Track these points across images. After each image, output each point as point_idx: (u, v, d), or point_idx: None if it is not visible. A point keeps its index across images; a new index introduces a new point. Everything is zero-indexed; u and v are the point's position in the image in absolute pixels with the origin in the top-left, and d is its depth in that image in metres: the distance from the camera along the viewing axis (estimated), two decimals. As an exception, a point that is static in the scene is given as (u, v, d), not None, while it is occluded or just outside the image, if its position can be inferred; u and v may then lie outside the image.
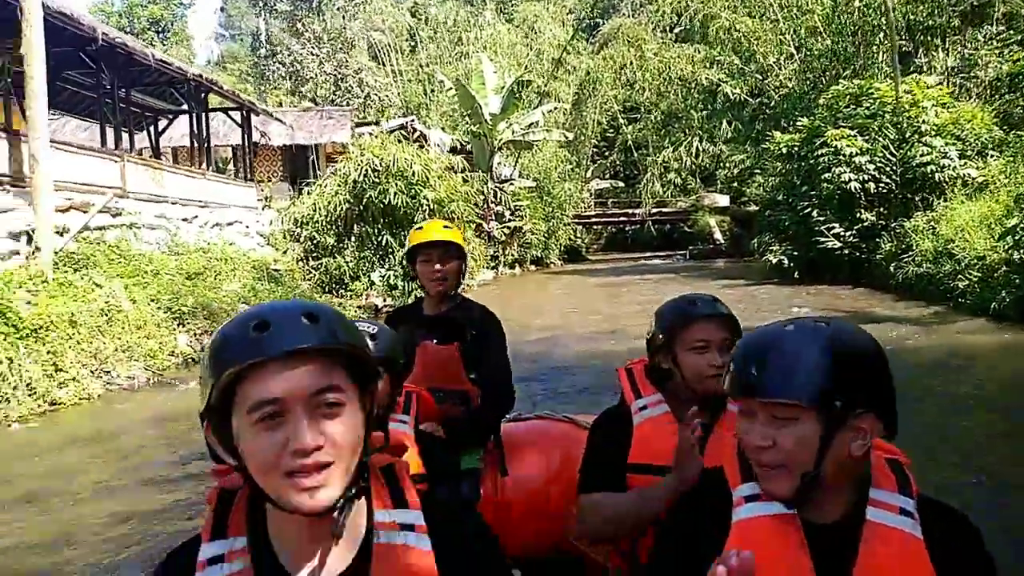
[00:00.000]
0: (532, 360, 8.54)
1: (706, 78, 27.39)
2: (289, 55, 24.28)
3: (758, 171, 26.09)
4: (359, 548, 1.00)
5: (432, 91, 33.47)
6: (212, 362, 0.90)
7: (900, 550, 1.08)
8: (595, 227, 41.47)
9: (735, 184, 33.18)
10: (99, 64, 11.02)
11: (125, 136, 12.07)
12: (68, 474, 5.42)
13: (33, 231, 8.41)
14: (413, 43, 31.11)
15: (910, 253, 13.33)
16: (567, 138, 28.28)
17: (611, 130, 40.27)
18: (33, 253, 8.31)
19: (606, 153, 42.58)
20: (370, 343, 1.59)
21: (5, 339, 7.15)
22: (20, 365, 7.15)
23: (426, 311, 2.64)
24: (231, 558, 0.99)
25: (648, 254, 35.96)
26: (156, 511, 4.59)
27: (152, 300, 9.79)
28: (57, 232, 8.84)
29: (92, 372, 8.00)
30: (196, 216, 12.80)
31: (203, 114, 14.57)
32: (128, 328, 8.92)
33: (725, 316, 1.69)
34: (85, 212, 9.70)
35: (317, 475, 0.90)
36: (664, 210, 37.29)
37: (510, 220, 24.71)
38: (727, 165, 32.62)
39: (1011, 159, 13.33)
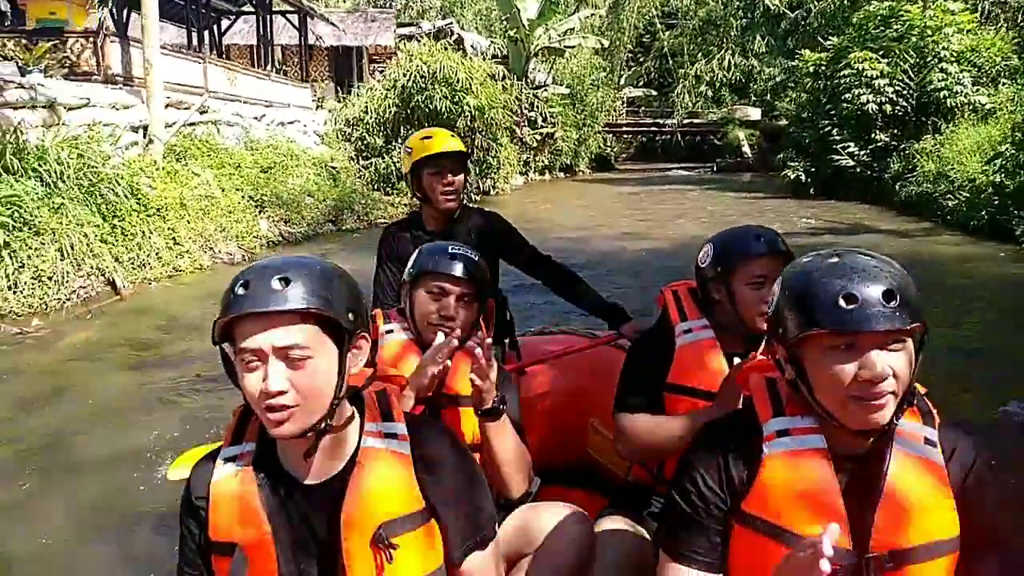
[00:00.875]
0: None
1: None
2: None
3: (790, 86, 26.87)
4: (350, 456, 1.20)
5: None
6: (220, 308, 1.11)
7: (924, 479, 1.13)
8: (625, 136, 42.20)
9: (767, 98, 33.72)
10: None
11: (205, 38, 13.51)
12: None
13: (146, 126, 10.05)
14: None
15: (914, 173, 14.61)
16: (602, 45, 28.91)
17: (647, 35, 40.49)
18: (147, 144, 9.97)
19: (641, 60, 42.83)
20: (471, 269, 1.82)
21: (137, 216, 8.92)
22: (149, 238, 8.95)
23: (429, 227, 2.56)
24: (242, 457, 1.21)
25: (675, 165, 36.83)
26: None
27: (237, 189, 11.49)
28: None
29: (200, 247, 9.80)
30: (264, 115, 14.34)
31: (268, 16, 15.90)
32: (222, 212, 10.67)
33: (784, 253, 1.69)
34: (178, 109, 11.28)
35: (281, 412, 1.09)
36: (695, 121, 37.96)
37: (542, 127, 25.82)
38: (760, 79, 33.13)
39: (1021, 88, 14.36)
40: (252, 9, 16.68)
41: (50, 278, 7.26)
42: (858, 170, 16.91)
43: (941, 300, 7.02)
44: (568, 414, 2.45)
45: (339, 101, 18.88)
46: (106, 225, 8.30)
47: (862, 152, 16.87)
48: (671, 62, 39.02)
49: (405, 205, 15.37)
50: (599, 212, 16.23)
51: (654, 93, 41.77)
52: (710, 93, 35.89)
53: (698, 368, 1.74)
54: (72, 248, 7.57)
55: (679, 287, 1.91)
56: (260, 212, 11.73)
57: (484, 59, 24.03)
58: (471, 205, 2.73)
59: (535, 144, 25.33)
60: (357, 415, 1.24)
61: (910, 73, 16.34)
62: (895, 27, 17.36)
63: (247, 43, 19.40)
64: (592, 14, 28.72)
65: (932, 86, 15.88)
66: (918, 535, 1.12)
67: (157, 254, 8.95)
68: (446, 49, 17.14)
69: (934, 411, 1.20)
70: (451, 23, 27.08)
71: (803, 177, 18.56)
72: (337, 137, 16.95)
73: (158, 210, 9.26)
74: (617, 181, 27.53)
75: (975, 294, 7.73)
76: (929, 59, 16.25)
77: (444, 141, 2.50)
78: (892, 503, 1.12)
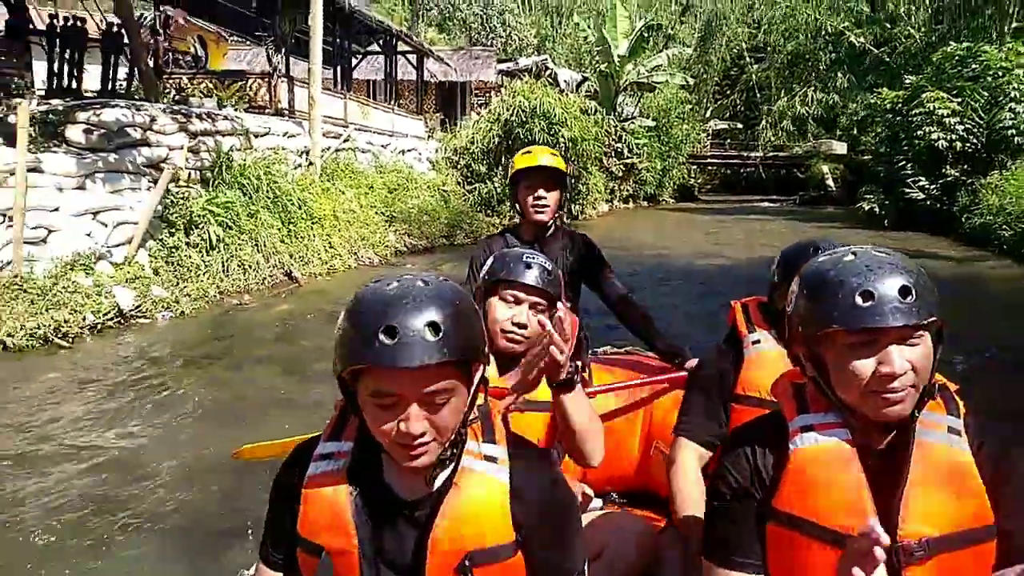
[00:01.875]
0: (636, 283, 12.11)
1: (831, 24, 29.28)
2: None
3: (874, 122, 28.04)
4: (449, 472, 1.20)
5: (562, 27, 36.53)
6: (344, 346, 1.09)
7: (949, 467, 1.16)
8: (709, 168, 43.59)
9: (853, 132, 34.75)
10: (335, 23, 15.05)
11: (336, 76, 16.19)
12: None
13: (308, 150, 12.57)
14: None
15: (979, 207, 15.85)
16: (688, 82, 30.70)
17: (736, 69, 42.11)
18: (308, 166, 12.47)
19: (728, 93, 44.39)
20: (545, 278, 1.84)
21: (304, 223, 11.34)
22: (312, 241, 11.35)
23: (525, 236, 2.72)
24: (339, 456, 1.22)
25: (759, 197, 37.89)
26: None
27: (372, 206, 13.90)
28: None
29: (347, 251, 12.19)
30: (388, 144, 16.86)
31: (393, 57, 18.58)
32: (361, 224, 13.06)
33: None
34: (327, 137, 13.82)
35: (420, 448, 1.11)
36: (780, 154, 39.12)
37: (628, 157, 27.76)
38: (845, 114, 34.21)
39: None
40: (379, 50, 19.38)
41: (249, 267, 9.67)
42: (928, 203, 18.16)
43: (983, 312, 8.51)
44: (631, 438, 2.55)
45: (446, 131, 21.37)
46: (284, 229, 10.73)
47: (932, 186, 18.13)
48: (758, 96, 40.54)
49: (502, 225, 17.51)
50: (678, 236, 18.03)
51: (739, 126, 43.09)
52: (793, 127, 37.01)
53: (767, 378, 1.70)
54: (265, 245, 10.00)
55: (749, 301, 2.02)
56: (388, 225, 14.11)
57: (576, 93, 26.28)
58: (568, 226, 2.86)
59: (620, 173, 27.25)
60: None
61: (980, 112, 17.57)
62: (972, 67, 18.60)
63: (366, 78, 22.19)
64: (680, 51, 30.52)
65: (1001, 124, 17.09)
66: (947, 523, 1.14)
67: (318, 255, 11.35)
68: (545, 86, 19.38)
69: (960, 402, 1.22)
70: (546, 59, 29.53)
71: (877, 209, 19.87)
72: (446, 164, 19.36)
73: (319, 220, 11.68)
74: (699, 210, 29.11)
75: (1012, 309, 9.26)
76: (1000, 99, 17.46)
77: (541, 156, 2.67)
78: (917, 492, 1.15)
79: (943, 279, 11.31)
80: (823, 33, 30.44)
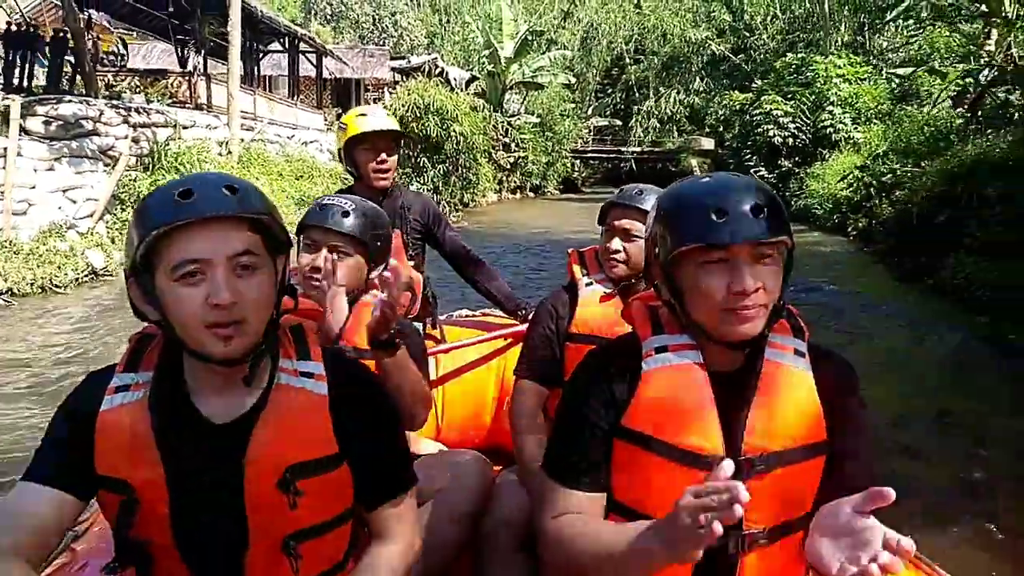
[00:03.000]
0: (520, 257, 14.54)
1: (694, 35, 32.93)
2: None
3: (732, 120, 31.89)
4: (262, 392, 1.17)
5: (451, 26, 38.69)
6: (138, 224, 1.06)
7: (792, 387, 1.23)
8: (591, 161, 46.94)
9: (720, 130, 38.81)
10: (246, 26, 16.69)
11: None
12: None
13: (227, 141, 14.28)
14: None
15: (804, 191, 19.26)
16: (570, 81, 33.58)
17: (616, 69, 45.54)
18: (227, 155, 14.19)
19: (609, 92, 47.85)
20: (344, 220, 1.75)
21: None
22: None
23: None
24: (136, 388, 1.16)
25: (638, 188, 41.26)
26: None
27: (282, 191, 15.66)
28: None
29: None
30: (292, 136, 18.62)
31: (296, 56, 20.28)
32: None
33: (640, 210, 1.86)
34: (241, 129, 15.52)
35: (231, 327, 1.06)
36: (655, 150, 42.85)
37: (515, 151, 30.30)
38: (711, 112, 38.18)
39: (886, 127, 19.11)
40: (281, 48, 21.04)
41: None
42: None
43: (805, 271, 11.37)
44: (484, 396, 2.65)
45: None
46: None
47: (771, 175, 21.55)
48: (637, 95, 44.09)
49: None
50: (558, 219, 20.68)
51: (619, 123, 46.63)
52: (664, 125, 40.75)
53: (597, 316, 1.89)
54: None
55: (586, 250, 2.13)
56: (296, 207, 15.93)
57: (466, 90, 28.51)
58: (406, 186, 2.80)
59: (508, 166, 29.75)
60: (270, 350, 1.18)
61: (807, 113, 21.12)
62: (805, 74, 22.18)
63: (266, 73, 23.70)
64: (561, 54, 33.34)
65: (823, 123, 20.65)
66: (787, 439, 1.20)
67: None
68: (437, 85, 21.57)
69: (804, 326, 1.29)
70: (436, 58, 31.62)
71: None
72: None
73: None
74: (580, 200, 32.07)
75: (817, 264, 12.24)
76: (823, 102, 21.05)
77: (380, 119, 2.61)
78: (762, 410, 1.21)
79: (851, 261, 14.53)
80: (688, 41, 34.05)
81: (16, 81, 11.21)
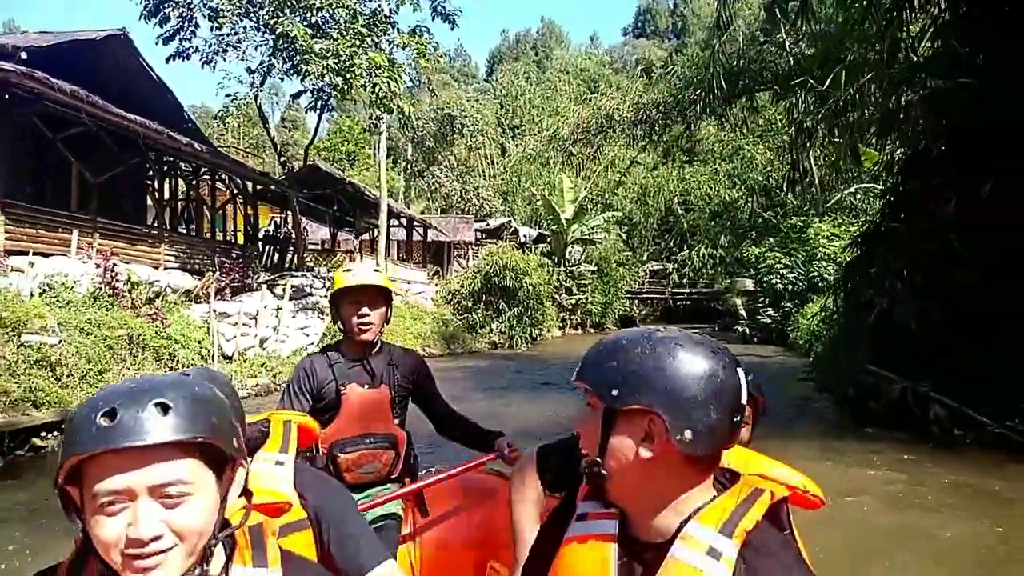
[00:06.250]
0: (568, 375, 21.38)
1: (728, 196, 40.58)
2: (432, 176, 38.73)
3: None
4: None
5: (519, 189, 47.59)
6: (64, 442, 1.00)
7: None
8: (648, 300, 53.99)
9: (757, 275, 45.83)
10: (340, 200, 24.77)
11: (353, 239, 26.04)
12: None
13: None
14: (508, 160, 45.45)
15: (798, 327, 25.64)
16: (622, 237, 41.32)
17: (672, 218, 53.41)
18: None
19: (666, 237, 55.58)
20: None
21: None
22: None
23: (348, 354, 2.82)
24: None
25: (689, 325, 47.77)
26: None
27: (406, 329, 23.00)
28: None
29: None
30: (408, 288, 26.39)
31: (410, 229, 28.49)
32: (399, 338, 22.12)
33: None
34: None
35: (154, 558, 0.99)
36: (703, 290, 49.70)
37: (576, 294, 37.61)
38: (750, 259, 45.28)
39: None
40: (401, 225, 29.37)
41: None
42: (772, 325, 28.10)
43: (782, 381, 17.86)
44: (467, 559, 2.73)
45: (439, 278, 31.03)
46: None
47: (776, 314, 28.08)
48: (689, 240, 51.58)
49: (488, 342, 26.79)
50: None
51: (671, 267, 53.94)
52: (714, 267, 47.85)
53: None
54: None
55: None
56: (417, 339, 23.26)
57: (534, 246, 36.25)
58: (396, 344, 3.02)
59: (569, 307, 37.02)
60: (224, 559, 1.13)
61: (801, 265, 27.86)
62: (804, 234, 29.02)
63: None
64: (613, 215, 41.24)
65: (814, 273, 27.28)
66: None
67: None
68: (512, 247, 29.29)
69: (750, 520, 1.12)
70: (510, 220, 39.89)
71: (747, 331, 29.75)
72: (443, 301, 28.86)
73: (383, 335, 20.82)
74: (632, 335, 38.75)
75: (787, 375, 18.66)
76: (814, 257, 27.78)
77: (364, 274, 2.79)
78: None
79: (771, 367, 20.49)
80: (723, 201, 41.79)
81: (267, 263, 19.14)
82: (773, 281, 28.13)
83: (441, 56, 20.03)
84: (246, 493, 1.15)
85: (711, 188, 42.38)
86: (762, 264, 28.94)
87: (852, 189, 25.01)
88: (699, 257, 46.30)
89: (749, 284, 48.49)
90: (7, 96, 11.78)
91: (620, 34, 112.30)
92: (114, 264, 12.22)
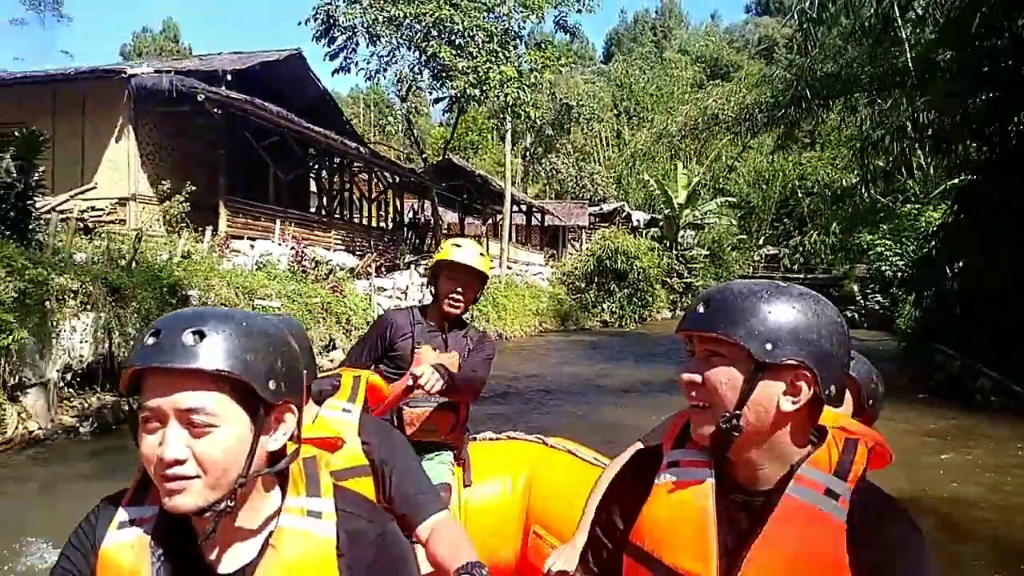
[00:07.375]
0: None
1: (846, 181, 41.36)
2: (548, 163, 41.54)
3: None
4: (265, 537, 1.15)
5: (633, 175, 49.52)
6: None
7: (809, 529, 1.14)
8: (761, 284, 54.82)
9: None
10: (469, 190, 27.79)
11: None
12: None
13: (499, 276, 24.94)
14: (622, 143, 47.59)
15: (902, 312, 26.88)
16: (732, 222, 42.83)
17: (793, 200, 53.93)
18: (503, 286, 24.79)
19: (786, 221, 56.10)
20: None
21: (495, 309, 23.39)
22: (504, 318, 23.40)
23: (431, 319, 2.96)
24: (140, 523, 1.16)
25: (801, 309, 48.65)
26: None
27: (524, 306, 25.84)
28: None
29: (518, 327, 24.21)
30: (527, 269, 29.30)
31: (530, 215, 31.43)
32: (518, 314, 25.00)
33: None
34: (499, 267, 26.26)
35: (178, 482, 1.05)
36: (819, 276, 50.23)
37: (687, 278, 39.50)
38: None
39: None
40: (521, 211, 32.33)
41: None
42: (880, 311, 29.43)
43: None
44: (510, 524, 2.84)
45: (554, 260, 33.78)
46: (492, 311, 22.88)
47: (885, 300, 29.37)
48: (809, 224, 52.05)
49: (600, 321, 29.37)
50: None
51: (787, 251, 54.56)
52: (825, 255, 48.44)
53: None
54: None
55: None
56: (534, 315, 26.11)
57: (646, 231, 38.35)
58: (477, 327, 3.14)
59: (680, 290, 39.00)
60: (279, 488, 1.19)
61: (910, 252, 28.93)
62: (916, 221, 30.01)
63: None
64: (725, 200, 42.76)
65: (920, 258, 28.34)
66: None
67: (503, 323, 23.35)
68: (623, 231, 31.65)
69: (859, 465, 1.18)
70: (623, 205, 42.15)
71: (856, 316, 31.15)
72: (558, 282, 31.62)
73: (503, 307, 23.72)
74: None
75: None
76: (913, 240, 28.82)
77: (470, 255, 2.89)
78: (767, 548, 1.14)
79: (885, 352, 21.78)
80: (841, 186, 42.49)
81: (411, 247, 22.50)
82: (882, 268, 29.37)
83: (563, 66, 22.65)
84: (296, 438, 1.18)
85: (829, 174, 43.04)
86: (871, 251, 30.20)
87: (955, 181, 26.02)
88: (811, 243, 47.03)
89: (864, 270, 48.97)
90: (233, 117, 15.41)
91: (743, 11, 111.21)
92: (304, 247, 15.63)
